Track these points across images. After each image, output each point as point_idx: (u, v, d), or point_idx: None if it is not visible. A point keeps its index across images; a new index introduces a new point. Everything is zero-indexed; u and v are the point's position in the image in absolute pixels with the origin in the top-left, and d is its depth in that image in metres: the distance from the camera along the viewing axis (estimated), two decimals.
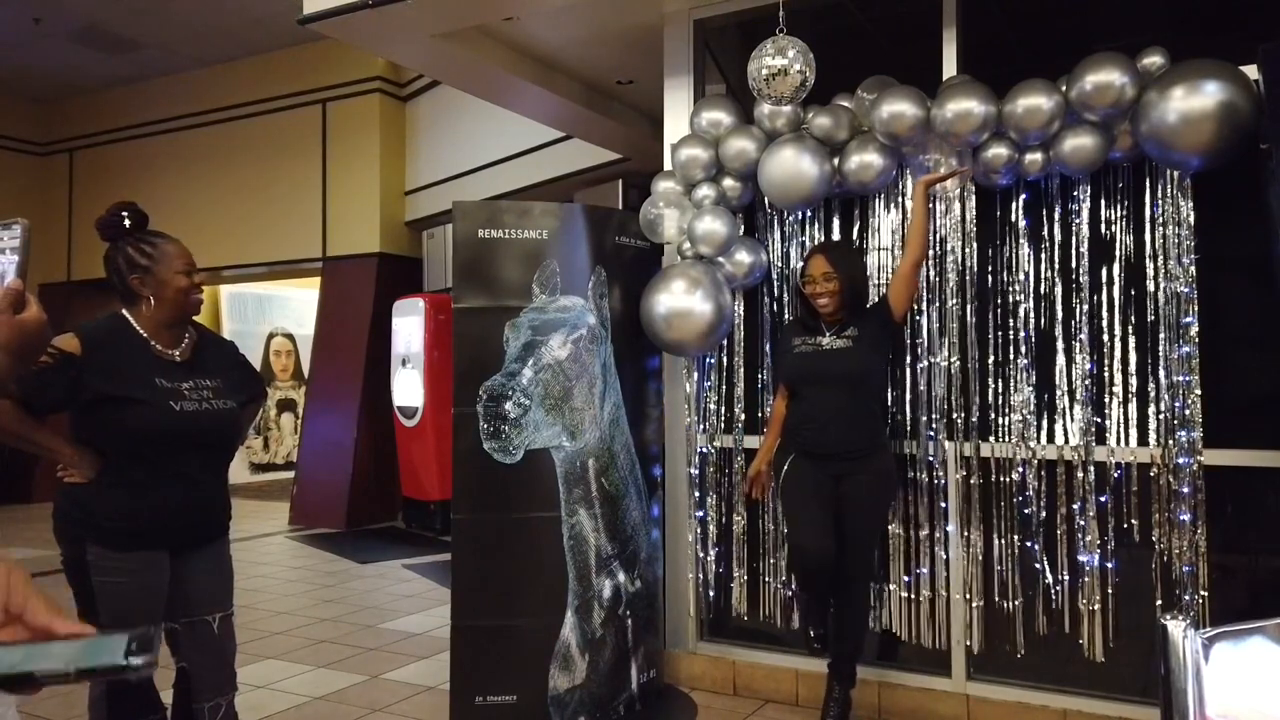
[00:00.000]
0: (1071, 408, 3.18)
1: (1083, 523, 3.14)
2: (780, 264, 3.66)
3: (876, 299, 3.30)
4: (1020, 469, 3.25)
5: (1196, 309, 2.96)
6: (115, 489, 2.29)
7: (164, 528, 2.34)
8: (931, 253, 3.35)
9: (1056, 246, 3.23)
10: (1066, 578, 3.18)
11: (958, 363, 3.33)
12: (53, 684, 0.68)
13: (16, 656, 0.68)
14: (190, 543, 2.41)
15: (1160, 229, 3.05)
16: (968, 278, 3.32)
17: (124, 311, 2.38)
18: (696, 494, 3.76)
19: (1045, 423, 3.23)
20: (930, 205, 3.24)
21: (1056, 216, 3.22)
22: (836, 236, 3.58)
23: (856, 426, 3.11)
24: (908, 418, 3.42)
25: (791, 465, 3.16)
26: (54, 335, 2.29)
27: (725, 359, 3.74)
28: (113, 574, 2.27)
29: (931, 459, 3.36)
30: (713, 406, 3.73)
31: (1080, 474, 3.15)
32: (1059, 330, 3.21)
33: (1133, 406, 3.11)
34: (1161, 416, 3.05)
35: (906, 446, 3.41)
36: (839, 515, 3.09)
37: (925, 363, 3.38)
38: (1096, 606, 3.11)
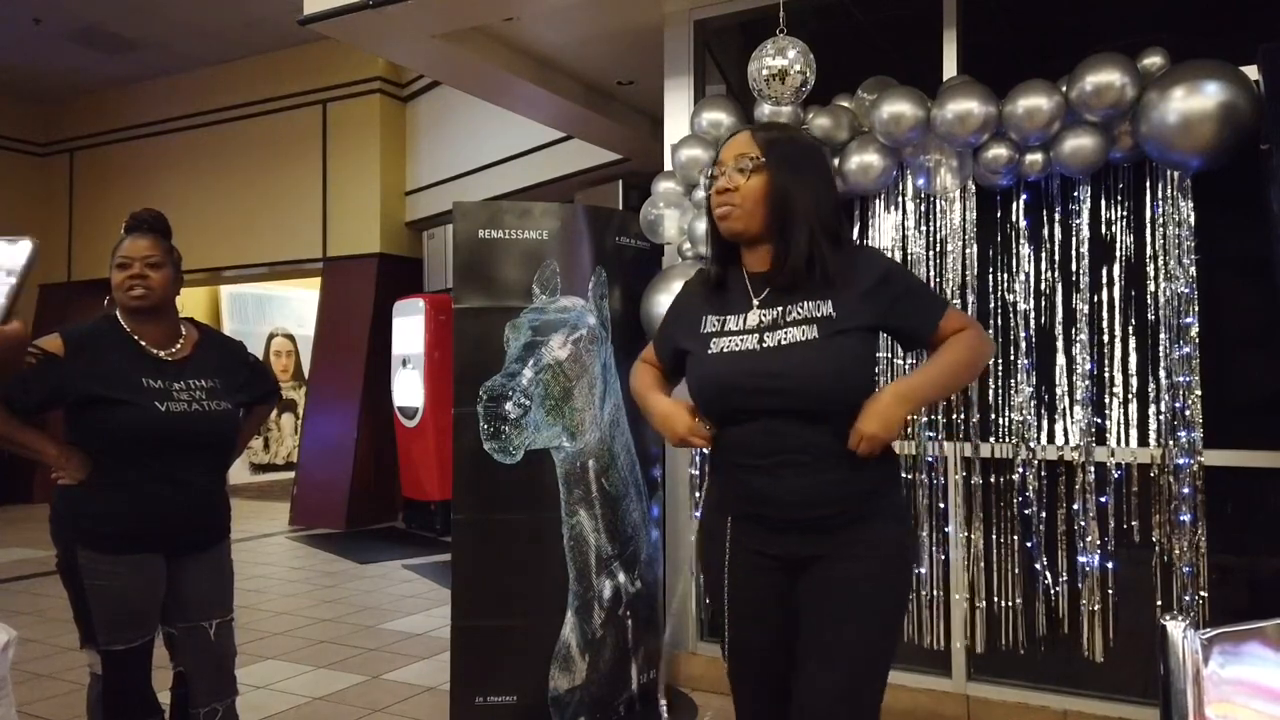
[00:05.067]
0: (1071, 408, 3.18)
1: (1083, 523, 3.13)
2: None
3: (889, 277, 1.78)
4: (1020, 469, 3.24)
5: (1196, 309, 2.96)
6: (105, 491, 2.26)
7: (154, 531, 2.30)
8: (931, 253, 3.35)
9: (1057, 247, 3.23)
10: (1066, 578, 3.17)
11: None
12: None
13: None
14: (186, 546, 2.38)
15: (1160, 229, 3.05)
16: (968, 278, 3.32)
17: (116, 312, 2.38)
18: (697, 494, 3.75)
19: (1045, 423, 3.23)
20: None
21: (1057, 217, 3.22)
22: None
23: (835, 469, 1.70)
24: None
25: (732, 542, 1.79)
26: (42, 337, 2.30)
27: None
28: (104, 577, 2.25)
29: (931, 459, 3.36)
30: None
31: (1080, 474, 3.15)
32: (1059, 330, 3.21)
33: (1133, 407, 3.11)
34: (1162, 417, 3.05)
35: (907, 446, 3.41)
36: (802, 644, 1.73)
37: None
38: (1096, 607, 3.11)
